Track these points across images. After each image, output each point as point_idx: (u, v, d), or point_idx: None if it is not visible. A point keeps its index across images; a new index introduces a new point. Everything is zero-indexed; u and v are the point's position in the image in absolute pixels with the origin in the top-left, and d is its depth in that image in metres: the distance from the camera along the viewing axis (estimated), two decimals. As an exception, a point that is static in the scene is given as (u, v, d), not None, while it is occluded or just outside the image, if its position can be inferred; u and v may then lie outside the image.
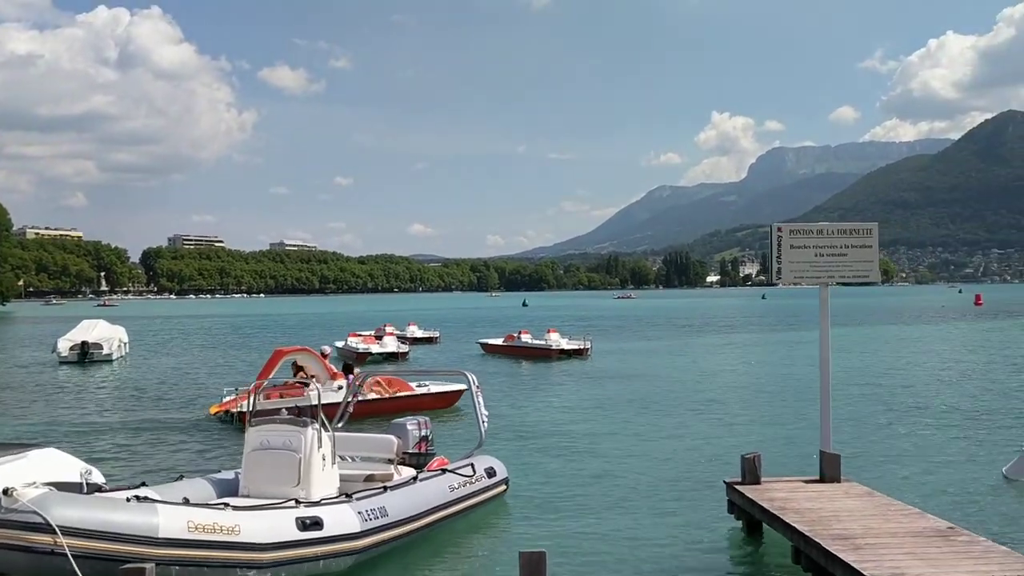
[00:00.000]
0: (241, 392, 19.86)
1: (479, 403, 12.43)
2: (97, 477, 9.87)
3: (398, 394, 20.92)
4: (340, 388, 19.64)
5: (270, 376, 19.39)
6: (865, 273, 10.50)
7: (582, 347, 39.13)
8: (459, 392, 21.43)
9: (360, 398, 19.71)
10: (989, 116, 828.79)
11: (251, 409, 10.86)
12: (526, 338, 40.84)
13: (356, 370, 19.94)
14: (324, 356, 22.32)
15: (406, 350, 41.59)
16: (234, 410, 19.26)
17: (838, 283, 10.84)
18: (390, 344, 41.76)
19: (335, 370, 21.01)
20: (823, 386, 10.72)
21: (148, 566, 6.17)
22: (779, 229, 10.43)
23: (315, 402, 10.56)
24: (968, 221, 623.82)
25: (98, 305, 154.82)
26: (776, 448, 15.66)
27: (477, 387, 12.62)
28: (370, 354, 39.01)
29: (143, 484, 9.44)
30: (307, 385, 19.67)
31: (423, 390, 21.60)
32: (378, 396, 20.48)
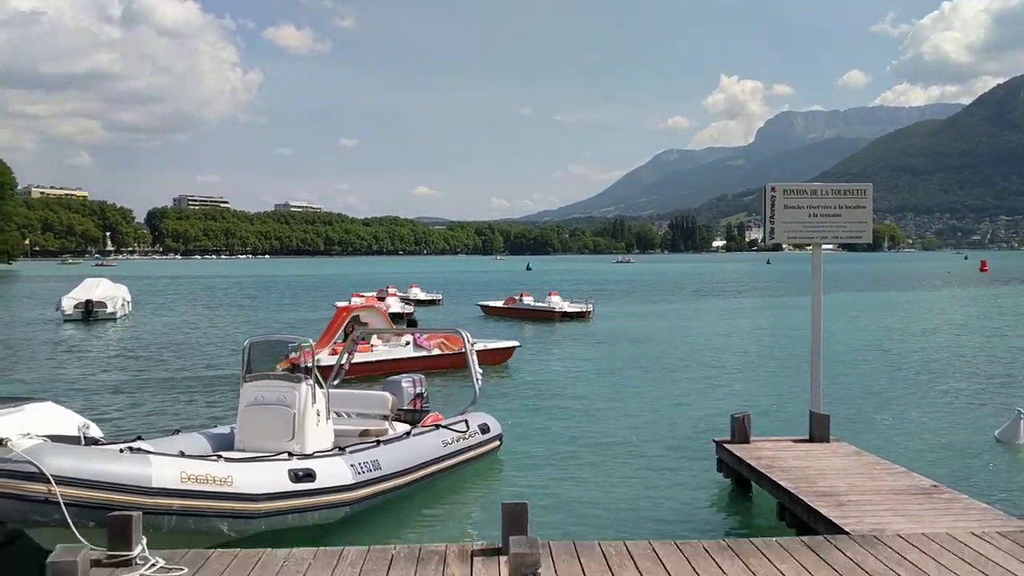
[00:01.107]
0: (305, 348, 20.34)
1: (473, 361, 12.51)
2: (95, 431, 9.95)
3: (458, 350, 21.66)
4: (407, 344, 21.14)
5: (336, 334, 20.22)
6: (859, 234, 10.45)
7: (584, 310, 39.24)
8: (512, 349, 23.28)
9: (424, 353, 20.93)
10: (1002, 80, 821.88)
11: (245, 366, 10.90)
12: (528, 300, 40.96)
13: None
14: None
15: (411, 311, 41.70)
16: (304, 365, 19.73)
17: (838, 245, 10.84)
18: (393, 305, 41.84)
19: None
20: (814, 347, 10.76)
21: (136, 513, 6.27)
22: (772, 189, 10.38)
23: (311, 364, 10.61)
24: (977, 187, 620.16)
25: (96, 265, 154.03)
26: (772, 409, 15.78)
27: (471, 345, 12.70)
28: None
29: (139, 438, 9.53)
30: (367, 340, 20.64)
31: (480, 347, 22.37)
32: (441, 352, 21.45)
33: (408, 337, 21.12)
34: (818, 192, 10.52)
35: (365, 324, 21.22)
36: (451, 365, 20.30)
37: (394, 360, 20.36)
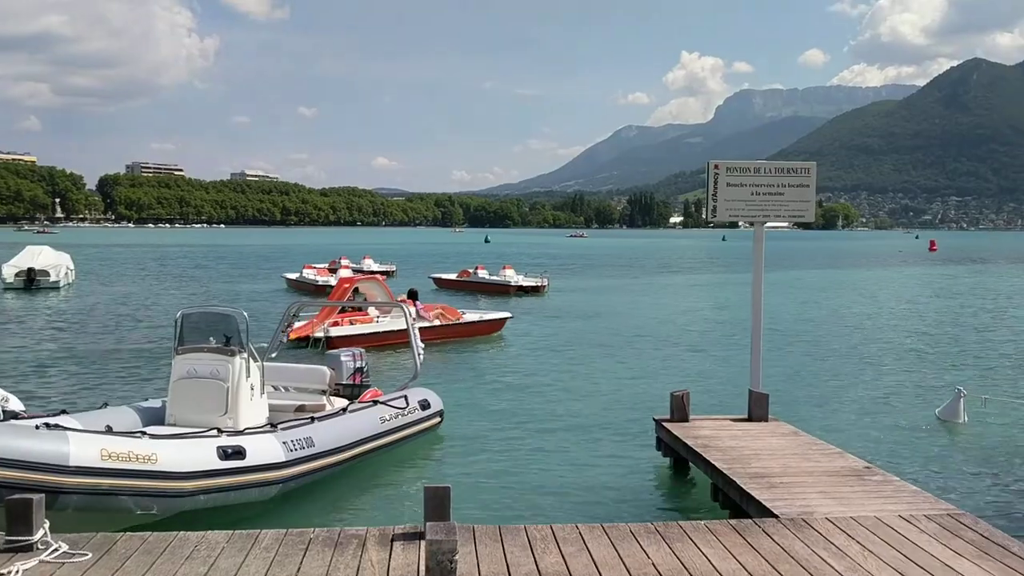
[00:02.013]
0: (310, 318, 20.94)
1: (415, 335, 12.31)
2: (15, 404, 9.62)
3: (456, 321, 22.35)
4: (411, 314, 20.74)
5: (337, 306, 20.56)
6: (801, 212, 10.40)
7: (539, 284, 39.18)
8: (504, 319, 23.86)
9: (425, 324, 20.93)
10: (955, 63, 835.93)
11: (177, 338, 10.58)
12: (482, 273, 40.74)
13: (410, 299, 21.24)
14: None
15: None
16: (310, 335, 19.85)
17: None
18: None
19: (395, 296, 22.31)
20: (755, 324, 10.73)
21: (36, 496, 5.99)
22: (716, 166, 10.27)
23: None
24: (929, 168, 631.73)
25: (37, 232, 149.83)
26: (717, 387, 15.81)
27: (413, 319, 12.50)
28: (329, 286, 38.63)
29: (63, 412, 9.19)
30: (363, 310, 20.96)
31: (476, 317, 23.44)
32: (441, 323, 21.85)
33: (412, 308, 21.03)
34: (761, 170, 10.43)
35: (363, 296, 21.18)
36: (455, 335, 21.05)
37: (397, 331, 20.23)
